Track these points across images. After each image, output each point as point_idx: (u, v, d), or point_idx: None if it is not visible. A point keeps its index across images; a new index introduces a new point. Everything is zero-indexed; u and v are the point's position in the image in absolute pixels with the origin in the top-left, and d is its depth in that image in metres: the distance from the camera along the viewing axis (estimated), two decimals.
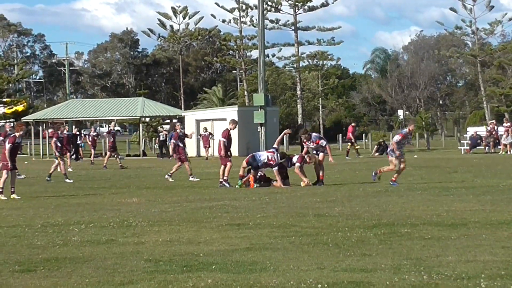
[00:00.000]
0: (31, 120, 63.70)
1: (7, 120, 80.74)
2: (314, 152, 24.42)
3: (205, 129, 52.03)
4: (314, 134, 25.12)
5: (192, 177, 28.18)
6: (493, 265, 9.67)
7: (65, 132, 31.91)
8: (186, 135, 30.03)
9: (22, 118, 66.60)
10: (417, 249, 10.94)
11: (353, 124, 52.44)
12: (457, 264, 9.78)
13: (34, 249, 11.84)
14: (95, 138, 47.42)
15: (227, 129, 25.45)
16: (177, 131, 29.60)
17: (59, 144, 29.72)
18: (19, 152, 22.72)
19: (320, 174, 24.26)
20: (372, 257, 10.39)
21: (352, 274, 9.36)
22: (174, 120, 55.11)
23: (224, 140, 25.25)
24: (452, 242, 11.52)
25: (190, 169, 28.55)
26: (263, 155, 23.96)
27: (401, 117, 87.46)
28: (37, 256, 11.21)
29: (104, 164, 38.54)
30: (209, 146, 51.33)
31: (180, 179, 28.26)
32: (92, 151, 45.43)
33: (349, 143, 49.26)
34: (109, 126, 46.86)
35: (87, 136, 50.79)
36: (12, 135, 22.51)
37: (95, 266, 10.31)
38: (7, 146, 22.03)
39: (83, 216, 16.23)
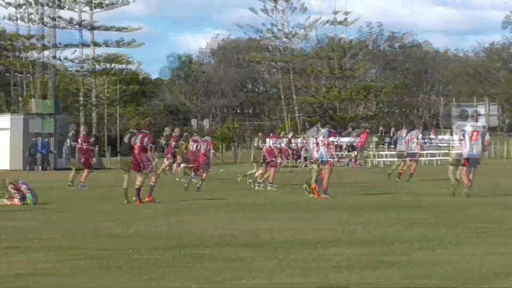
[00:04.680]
0: None
1: None
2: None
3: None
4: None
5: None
6: None
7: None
8: None
9: None
10: (209, 272, 10.93)
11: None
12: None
13: None
14: None
15: None
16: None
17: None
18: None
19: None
20: (158, 281, 10.33)
21: None
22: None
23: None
24: (257, 264, 11.66)
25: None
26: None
27: (195, 126, 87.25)
28: None
29: None
30: None
31: None
32: None
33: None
34: None
35: None
36: (145, 134, 21.91)
37: None
38: (150, 146, 21.74)
39: None
